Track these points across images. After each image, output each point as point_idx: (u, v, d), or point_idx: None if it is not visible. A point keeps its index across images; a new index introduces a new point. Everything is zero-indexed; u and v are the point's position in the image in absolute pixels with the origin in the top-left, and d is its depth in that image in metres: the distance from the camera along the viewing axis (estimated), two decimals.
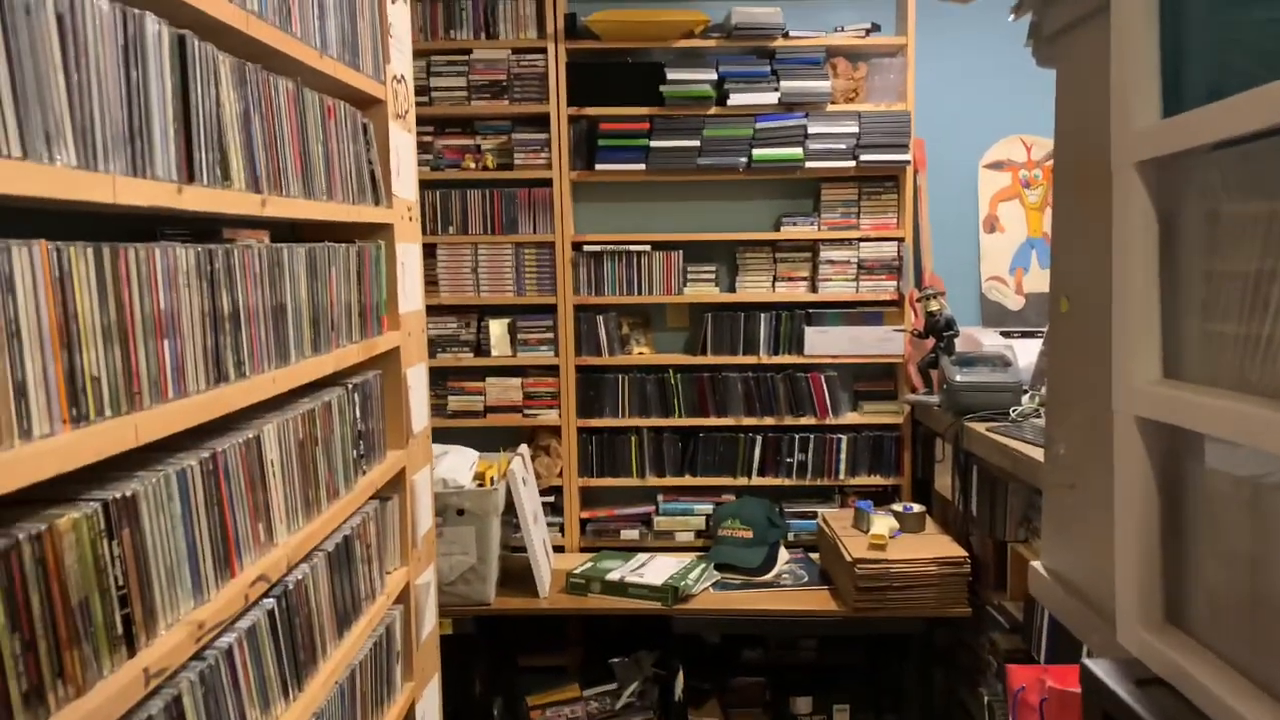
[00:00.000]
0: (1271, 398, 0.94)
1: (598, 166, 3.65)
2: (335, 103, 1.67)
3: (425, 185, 3.69)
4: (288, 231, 1.71)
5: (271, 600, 1.37)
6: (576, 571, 3.37)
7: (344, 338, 1.70)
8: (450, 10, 3.64)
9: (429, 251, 3.71)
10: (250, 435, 1.31)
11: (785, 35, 3.57)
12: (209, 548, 1.19)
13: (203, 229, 1.44)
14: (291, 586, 1.43)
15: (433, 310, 3.73)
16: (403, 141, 2.07)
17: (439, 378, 3.76)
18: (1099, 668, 1.15)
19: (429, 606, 2.20)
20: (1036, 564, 1.62)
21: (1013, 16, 1.54)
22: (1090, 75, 1.41)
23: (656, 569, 3.40)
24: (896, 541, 3.23)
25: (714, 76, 3.57)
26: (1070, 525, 1.54)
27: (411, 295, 2.09)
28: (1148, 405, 1.10)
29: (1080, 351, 1.48)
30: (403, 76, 2.07)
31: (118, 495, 1.00)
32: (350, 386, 1.73)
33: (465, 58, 3.65)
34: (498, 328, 3.77)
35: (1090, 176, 1.42)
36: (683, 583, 3.25)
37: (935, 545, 3.22)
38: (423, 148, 3.70)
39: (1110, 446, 1.19)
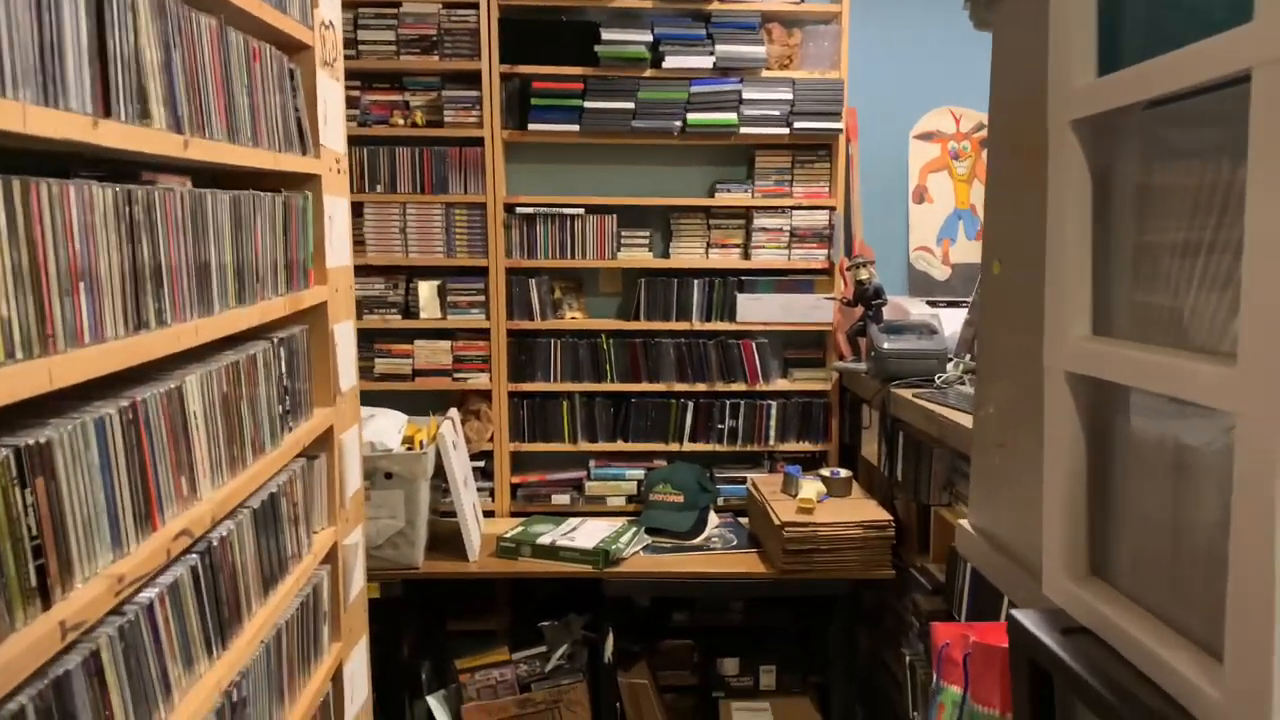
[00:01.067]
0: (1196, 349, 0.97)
1: (530, 126, 3.60)
2: (261, 45, 1.61)
3: (352, 141, 3.58)
4: (210, 178, 1.65)
5: (195, 556, 1.32)
6: (507, 535, 3.35)
7: (269, 290, 1.64)
8: None
9: (356, 210, 3.62)
10: (172, 385, 1.26)
11: None
12: (129, 500, 1.14)
13: (120, 171, 1.37)
14: (216, 543, 1.39)
15: (360, 271, 3.65)
16: (331, 91, 2.01)
17: (366, 340, 3.68)
18: (1026, 618, 1.18)
19: (357, 567, 2.16)
20: (963, 522, 1.66)
21: None
22: (1027, 38, 1.42)
23: (588, 533, 3.40)
24: (824, 505, 3.28)
25: (649, 38, 3.54)
26: (998, 484, 1.57)
27: (339, 250, 2.04)
28: (1077, 360, 1.12)
29: (1011, 313, 1.51)
30: (331, 23, 2.00)
31: (31, 442, 0.95)
32: (276, 340, 1.68)
33: (394, 10, 3.55)
34: (427, 290, 3.71)
35: (1025, 140, 1.44)
36: (614, 546, 3.26)
37: (861, 509, 3.28)
38: (349, 103, 3.60)
39: (1039, 407, 1.22)
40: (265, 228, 1.62)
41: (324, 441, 1.95)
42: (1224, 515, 0.87)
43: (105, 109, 1.09)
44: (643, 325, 3.75)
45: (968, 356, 3.23)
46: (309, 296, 1.84)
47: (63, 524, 1.01)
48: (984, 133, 3.79)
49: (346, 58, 3.51)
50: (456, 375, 3.74)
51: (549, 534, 3.37)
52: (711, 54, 3.54)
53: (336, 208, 2.01)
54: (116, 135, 1.09)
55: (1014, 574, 1.47)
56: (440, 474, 3.24)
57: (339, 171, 2.05)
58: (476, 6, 3.54)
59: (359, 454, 2.19)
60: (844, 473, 3.46)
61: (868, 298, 3.49)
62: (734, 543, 3.47)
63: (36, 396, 0.95)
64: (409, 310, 3.73)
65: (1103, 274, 1.16)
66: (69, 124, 0.99)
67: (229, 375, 1.45)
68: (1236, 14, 0.84)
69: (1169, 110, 1.02)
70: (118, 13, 1.11)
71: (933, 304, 3.66)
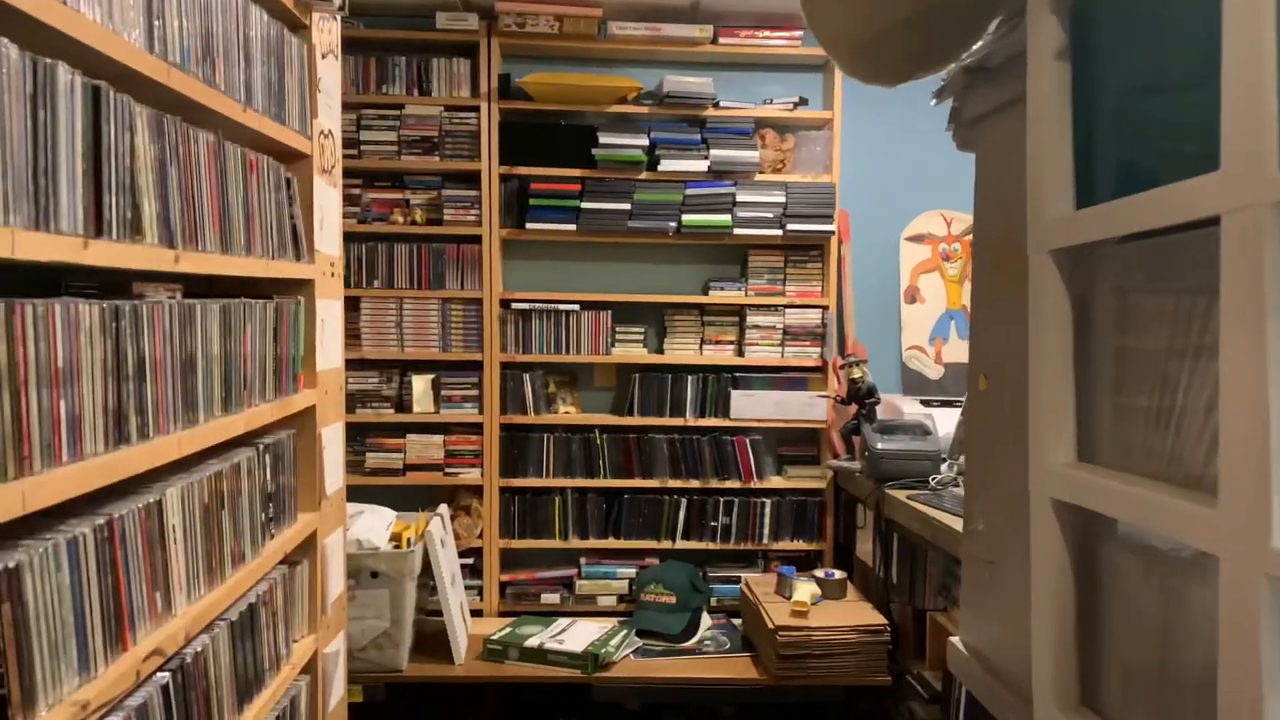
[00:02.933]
0: (1177, 478, 0.96)
1: (528, 225, 3.65)
2: (258, 156, 1.64)
3: (352, 238, 3.64)
4: (204, 283, 1.66)
5: (166, 674, 1.29)
6: (495, 637, 3.29)
7: (257, 396, 1.64)
8: (384, 65, 3.63)
9: (353, 305, 3.65)
10: (151, 500, 1.25)
11: (716, 105, 3.65)
12: (99, 620, 1.12)
13: (112, 282, 1.38)
14: (190, 659, 1.36)
15: (354, 364, 3.66)
16: (327, 197, 2.04)
17: (358, 434, 3.67)
18: None
19: (338, 676, 2.11)
20: (955, 640, 1.63)
21: (934, 101, 1.59)
22: (1007, 161, 1.45)
23: (577, 635, 3.34)
24: (818, 608, 3.23)
25: (645, 142, 3.62)
26: (988, 601, 1.55)
27: (331, 353, 2.04)
28: (1062, 488, 1.11)
29: (998, 428, 1.51)
30: (330, 132, 2.04)
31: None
32: (262, 447, 1.67)
33: (397, 112, 3.64)
34: (420, 383, 3.71)
35: (1007, 257, 1.46)
36: (603, 650, 3.19)
37: (856, 613, 3.22)
38: (351, 200, 3.66)
39: (1027, 524, 1.21)
40: (255, 334, 1.63)
41: (307, 547, 1.92)
42: (1212, 648, 0.85)
43: (98, 228, 1.10)
44: (636, 420, 3.74)
45: (961, 458, 3.21)
46: (298, 401, 1.84)
47: (28, 649, 0.98)
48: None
49: (349, 157, 3.59)
50: (448, 470, 3.71)
51: (537, 635, 3.30)
52: (706, 158, 3.62)
53: (329, 310, 2.03)
54: (107, 254, 1.11)
55: (1005, 698, 1.43)
56: (428, 572, 3.19)
57: (333, 275, 2.08)
58: (477, 110, 3.63)
59: (343, 558, 2.16)
60: (839, 574, 3.41)
61: (861, 396, 3.50)
62: (727, 646, 3.40)
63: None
64: (402, 404, 3.72)
65: (1085, 399, 1.16)
66: (59, 246, 1.00)
67: (211, 486, 1.44)
68: (1206, 159, 0.86)
69: (1144, 245, 1.04)
70: (115, 133, 1.14)
71: (926, 403, 3.67)
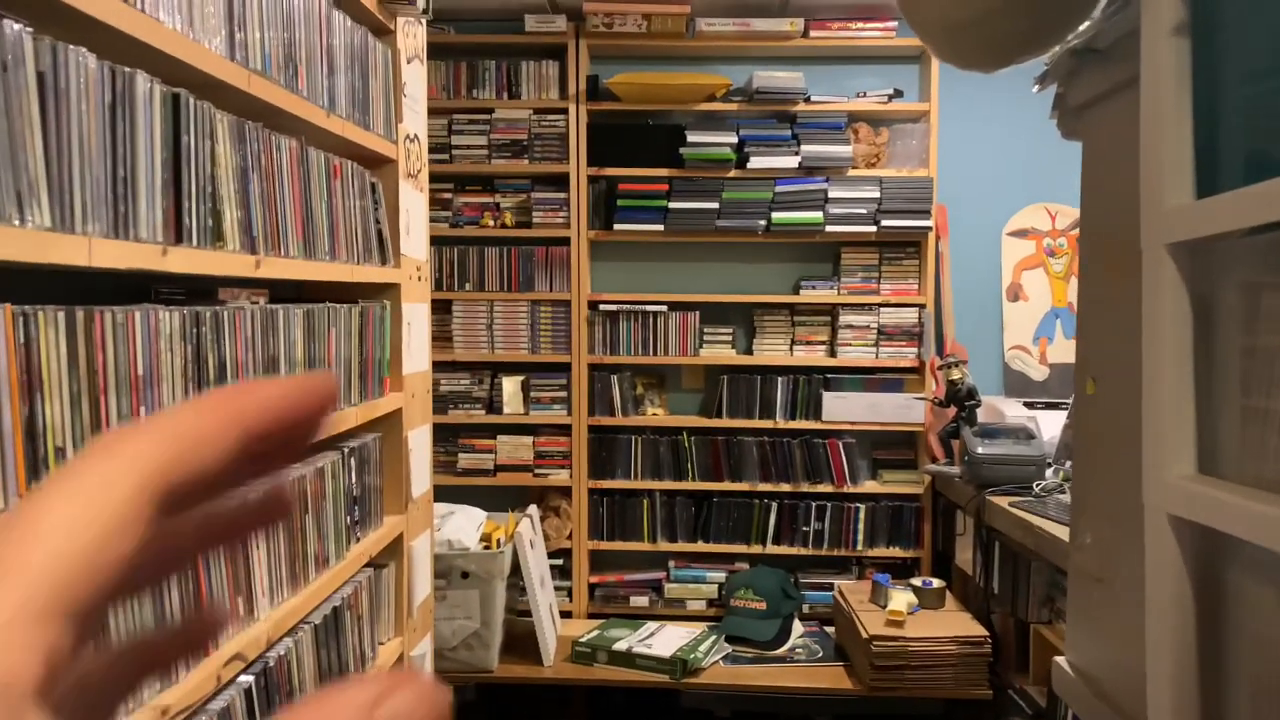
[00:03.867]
0: None
1: (616, 226, 3.63)
2: (342, 161, 1.65)
3: (443, 242, 3.68)
4: (293, 288, 1.68)
5: (249, 678, 1.30)
6: (583, 640, 3.27)
7: (343, 400, 1.65)
8: (474, 70, 3.66)
9: (444, 308, 3.69)
10: None
11: (807, 100, 3.56)
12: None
13: (199, 288, 1.40)
14: (273, 663, 1.37)
15: (446, 366, 3.70)
16: (414, 201, 2.04)
17: (450, 434, 3.71)
18: None
19: None
20: (1060, 660, 1.53)
21: (1037, 88, 1.49)
22: (1118, 150, 1.35)
23: (665, 639, 3.30)
24: (915, 618, 3.12)
25: (734, 139, 3.56)
26: (1098, 620, 1.45)
27: (417, 356, 2.05)
28: (1181, 503, 1.02)
29: (1108, 436, 1.41)
30: (416, 136, 2.05)
31: None
32: (347, 450, 1.68)
33: (487, 117, 3.66)
34: (511, 385, 3.72)
35: (1118, 254, 1.36)
36: (692, 655, 3.14)
37: (955, 623, 3.11)
38: (442, 205, 3.70)
39: (1141, 541, 1.11)
40: (340, 338, 1.64)
41: (393, 550, 1.93)
42: None
43: (177, 235, 1.11)
44: (725, 423, 3.68)
45: (1067, 463, 3.07)
46: (384, 404, 1.85)
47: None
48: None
49: (440, 162, 3.63)
50: (537, 471, 3.72)
51: (626, 639, 3.28)
52: (797, 154, 3.54)
53: (415, 314, 2.03)
54: (186, 261, 1.11)
55: None
56: (517, 573, 3.19)
57: (420, 279, 2.08)
58: (566, 113, 3.62)
59: (429, 560, 2.16)
60: (936, 583, 3.29)
61: (960, 398, 3.37)
62: (819, 654, 3.31)
63: None
64: (493, 405, 3.74)
65: (1207, 404, 1.06)
66: (137, 254, 1.01)
67: (294, 489, 1.44)
68: None
69: (1277, 236, 0.94)
70: (195, 141, 1.15)
71: (1030, 405, 3.51)
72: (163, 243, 1.06)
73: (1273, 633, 0.97)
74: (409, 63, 1.98)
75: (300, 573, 1.46)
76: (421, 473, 2.08)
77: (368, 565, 1.80)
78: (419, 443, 2.05)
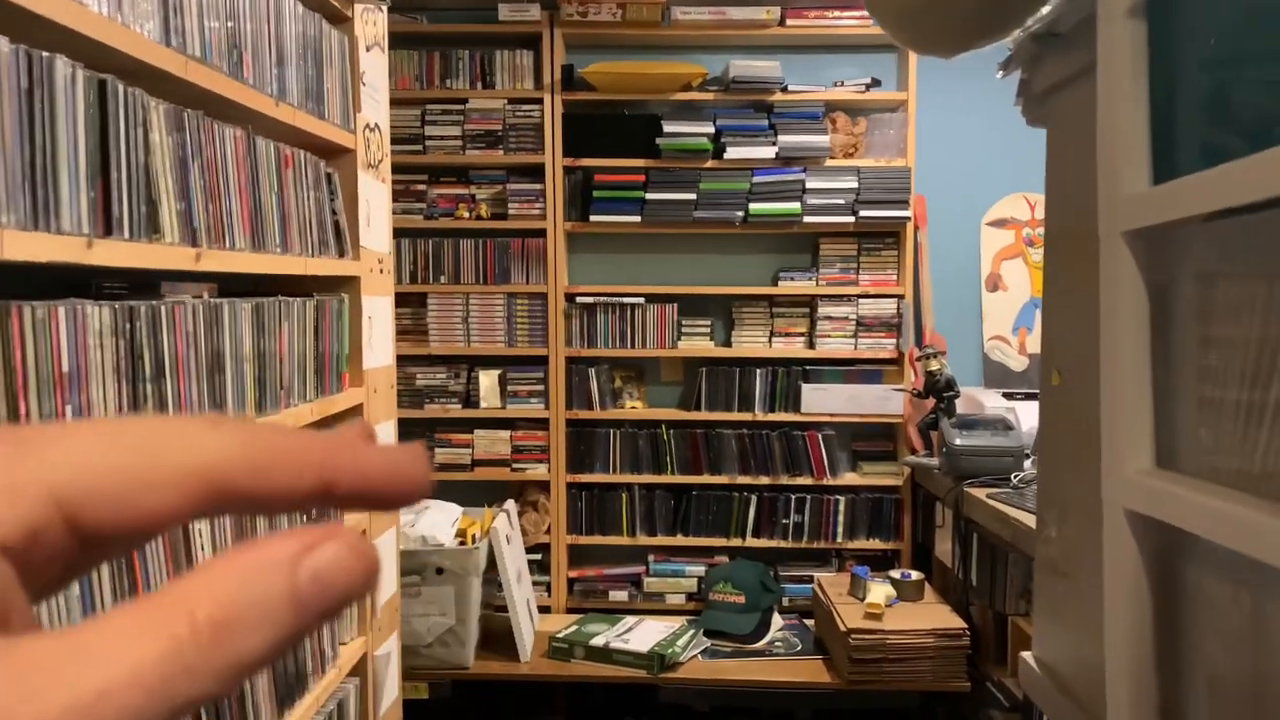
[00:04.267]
0: (1274, 486, 0.84)
1: (592, 218, 3.59)
2: (294, 151, 1.61)
3: (418, 234, 3.64)
4: (249, 281, 1.64)
5: None
6: (560, 635, 3.24)
7: (296, 396, 1.61)
8: (447, 60, 3.61)
9: (419, 301, 3.65)
10: None
11: (784, 89, 3.53)
12: None
13: (146, 281, 1.36)
14: None
15: (422, 360, 3.67)
16: (375, 192, 2.01)
17: (427, 428, 3.68)
18: None
19: (390, 677, 2.08)
20: (1026, 655, 1.51)
21: (1000, 73, 1.46)
22: (1081, 137, 1.33)
23: (643, 634, 3.27)
24: (893, 610, 3.10)
25: (711, 129, 3.53)
26: (1062, 614, 1.43)
27: (379, 350, 2.01)
28: (1138, 498, 1.00)
29: (1072, 428, 1.39)
30: (376, 125, 2.01)
31: None
32: None
33: (461, 107, 3.61)
34: (487, 379, 3.69)
35: (1081, 243, 1.34)
36: (669, 650, 3.12)
37: (933, 615, 3.09)
38: (416, 196, 3.66)
39: (1101, 532, 1.09)
40: (294, 333, 1.60)
41: None
42: None
43: (106, 227, 1.07)
44: (704, 415, 3.65)
45: None
46: (341, 400, 1.81)
47: None
48: None
49: (414, 153, 3.58)
50: (515, 465, 3.69)
51: (603, 634, 3.25)
52: (774, 144, 3.51)
53: (377, 308, 1.99)
54: (116, 254, 1.07)
55: None
56: (494, 568, 3.16)
57: (382, 271, 2.04)
58: (541, 102, 3.58)
59: (395, 558, 2.13)
60: (915, 575, 3.28)
61: (939, 389, 3.34)
62: (798, 648, 3.29)
63: None
64: (469, 399, 3.71)
65: (1165, 396, 1.04)
66: (57, 246, 0.97)
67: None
68: None
69: (1232, 224, 0.92)
70: (126, 130, 1.11)
71: (1009, 396, 3.49)
72: (88, 234, 1.03)
73: (1230, 627, 0.95)
74: (368, 50, 1.94)
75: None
76: None
77: None
78: (384, 439, 2.02)
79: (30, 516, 0.19)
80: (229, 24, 1.36)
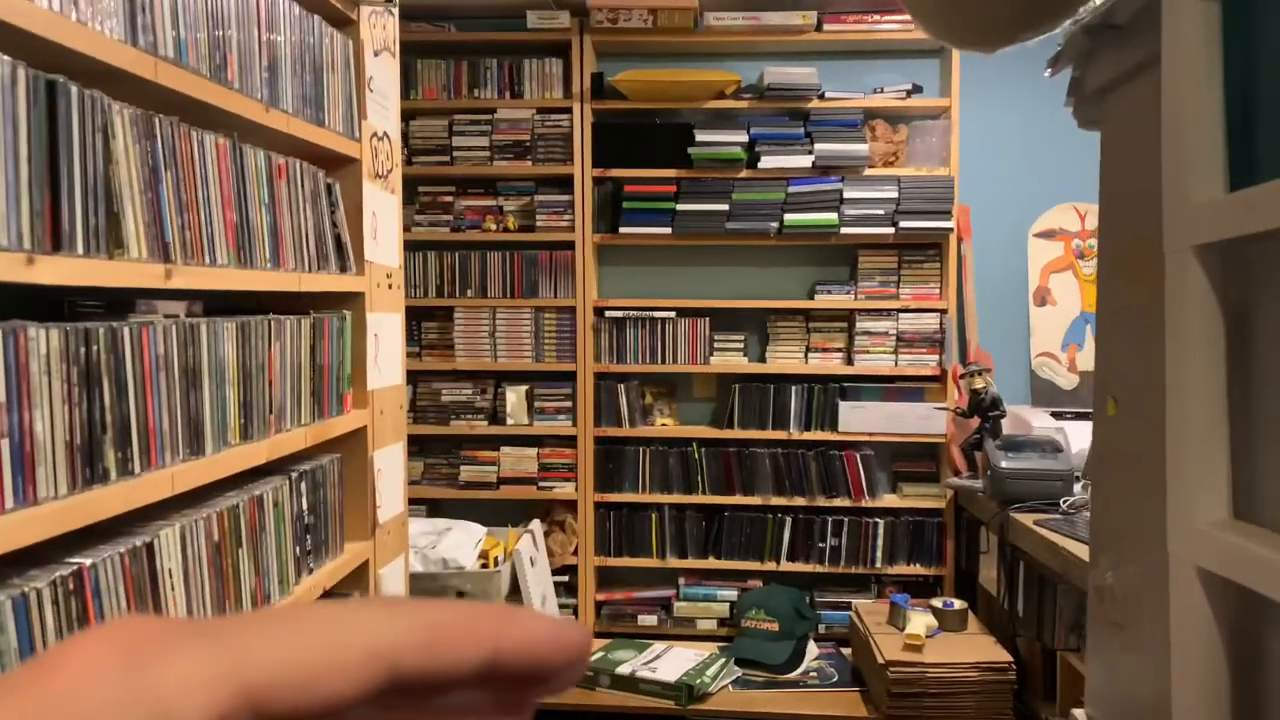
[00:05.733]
0: None
1: (622, 230, 3.49)
2: (288, 161, 1.52)
3: (444, 247, 3.57)
4: (239, 300, 1.55)
5: None
6: None
7: (289, 420, 1.52)
8: (474, 69, 3.54)
9: (446, 315, 3.58)
10: (139, 543, 1.12)
11: (821, 96, 3.40)
12: None
13: (118, 300, 1.27)
14: None
15: (448, 375, 3.59)
16: (383, 204, 1.91)
17: (452, 446, 3.60)
18: None
19: None
20: (1079, 713, 1.36)
21: (1049, 71, 1.33)
22: (1141, 139, 1.19)
23: (672, 662, 3.15)
24: (935, 641, 2.95)
25: (745, 138, 3.41)
26: (1119, 673, 1.28)
27: (387, 370, 1.92)
28: (1211, 555, 0.86)
29: (1131, 463, 1.24)
30: (385, 134, 1.92)
31: None
32: (295, 475, 1.55)
33: (489, 117, 3.53)
34: (514, 395, 3.59)
35: (1141, 257, 1.20)
36: (698, 680, 2.99)
37: (977, 648, 2.93)
38: (443, 208, 3.59)
39: (1166, 581, 0.95)
40: (286, 354, 1.51)
41: (357, 579, 1.80)
42: None
43: (55, 242, 0.98)
44: (737, 434, 3.52)
45: None
46: (342, 423, 1.71)
47: None
48: None
49: (441, 164, 3.51)
50: (542, 484, 3.58)
51: (630, 662, 3.13)
52: (810, 153, 3.37)
53: (385, 325, 1.90)
54: (63, 271, 0.98)
55: None
56: (518, 591, 3.06)
57: (390, 286, 1.95)
58: (570, 112, 3.49)
59: (403, 588, 2.03)
60: (958, 604, 3.11)
61: (984, 408, 3.18)
62: (834, 679, 3.14)
63: None
64: (496, 416, 3.62)
65: (1244, 433, 0.90)
66: None
67: (223, 521, 1.31)
68: None
69: None
70: (82, 135, 1.02)
71: (1058, 415, 3.32)
72: (29, 250, 0.93)
73: None
74: (376, 55, 1.85)
75: (231, 613, 1.33)
76: (393, 495, 1.95)
77: (323, 597, 1.67)
78: (389, 462, 1.92)
79: (223, 709, 0.20)
80: (211, 25, 1.27)
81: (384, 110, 1.90)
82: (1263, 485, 0.88)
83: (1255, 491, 0.88)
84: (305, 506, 1.57)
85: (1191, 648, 0.90)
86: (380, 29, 1.86)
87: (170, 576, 1.18)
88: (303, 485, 1.57)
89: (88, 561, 1.03)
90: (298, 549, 1.54)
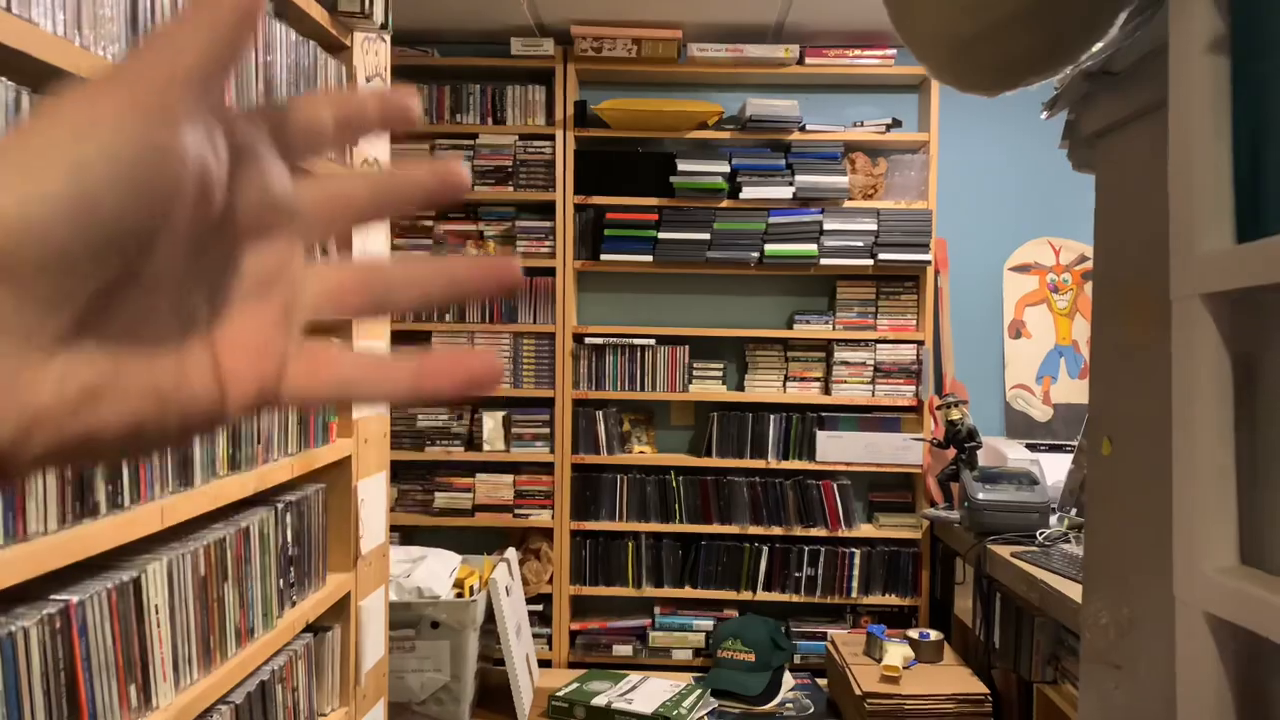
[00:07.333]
0: None
1: (603, 256, 3.49)
2: None
3: None
4: None
5: None
6: (560, 694, 3.09)
7: (276, 451, 1.49)
8: (457, 94, 3.53)
9: (424, 339, 3.54)
10: (125, 578, 1.09)
11: (802, 128, 3.43)
12: None
13: None
14: None
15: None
16: (371, 232, 1.90)
17: (427, 472, 3.56)
18: None
19: None
20: None
21: (1046, 114, 1.35)
22: (1138, 183, 1.21)
23: (647, 694, 3.12)
24: (911, 672, 2.94)
25: (726, 169, 3.43)
26: (1116, 710, 1.29)
27: None
28: (1220, 602, 0.86)
29: (1126, 504, 1.25)
30: (376, 160, 1.90)
31: None
32: (280, 506, 1.52)
33: (471, 142, 3.53)
34: (491, 421, 3.56)
35: (1137, 300, 1.21)
36: (675, 712, 2.96)
37: (954, 679, 2.93)
38: (423, 232, 3.57)
39: (1168, 627, 0.96)
40: None
41: (339, 611, 1.76)
42: None
43: None
44: (715, 462, 3.52)
45: (1073, 510, 2.90)
46: (328, 453, 1.68)
47: None
48: (1086, 264, 3.53)
49: None
50: (518, 511, 3.55)
51: (605, 693, 3.10)
52: (791, 184, 3.40)
53: (369, 351, 1.87)
54: None
55: None
56: (492, 620, 3.02)
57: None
58: (552, 139, 3.49)
59: (383, 619, 2.00)
60: (934, 635, 3.12)
61: (960, 439, 3.21)
62: (810, 710, 3.13)
63: None
64: (472, 442, 3.58)
65: (1251, 481, 0.90)
66: None
67: (210, 555, 1.28)
68: None
69: None
70: None
71: (1032, 447, 3.35)
72: None
73: None
74: (369, 81, 1.84)
75: (216, 648, 1.30)
76: (375, 525, 1.92)
77: (306, 630, 1.64)
78: (372, 492, 1.89)
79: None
80: None
81: (375, 136, 1.89)
82: (1269, 531, 0.89)
83: (1262, 537, 0.89)
84: (290, 538, 1.54)
85: (1199, 692, 0.90)
86: (373, 55, 1.85)
87: (156, 613, 1.15)
88: (288, 516, 1.54)
89: (74, 598, 1.00)
90: (281, 581, 1.51)
